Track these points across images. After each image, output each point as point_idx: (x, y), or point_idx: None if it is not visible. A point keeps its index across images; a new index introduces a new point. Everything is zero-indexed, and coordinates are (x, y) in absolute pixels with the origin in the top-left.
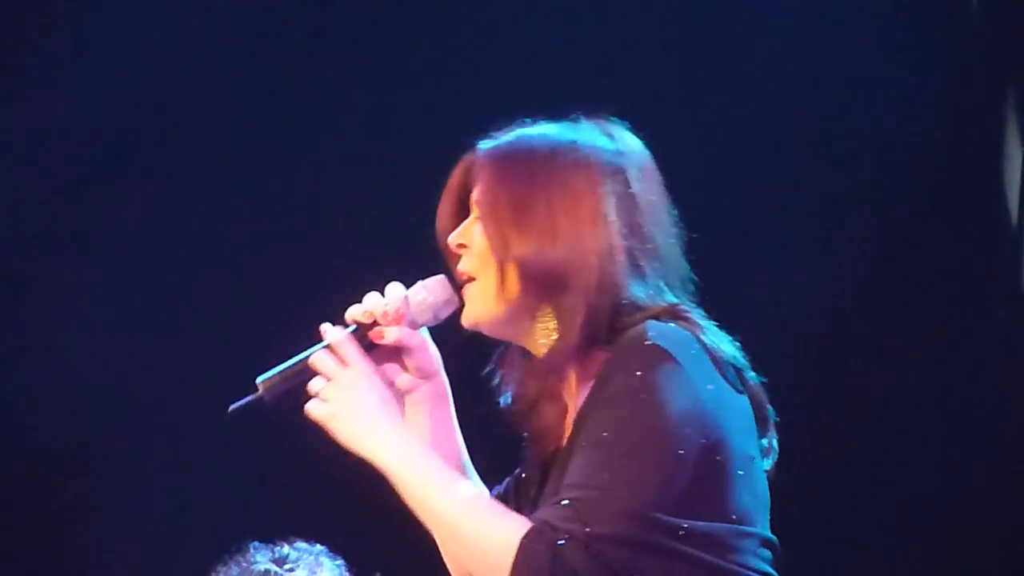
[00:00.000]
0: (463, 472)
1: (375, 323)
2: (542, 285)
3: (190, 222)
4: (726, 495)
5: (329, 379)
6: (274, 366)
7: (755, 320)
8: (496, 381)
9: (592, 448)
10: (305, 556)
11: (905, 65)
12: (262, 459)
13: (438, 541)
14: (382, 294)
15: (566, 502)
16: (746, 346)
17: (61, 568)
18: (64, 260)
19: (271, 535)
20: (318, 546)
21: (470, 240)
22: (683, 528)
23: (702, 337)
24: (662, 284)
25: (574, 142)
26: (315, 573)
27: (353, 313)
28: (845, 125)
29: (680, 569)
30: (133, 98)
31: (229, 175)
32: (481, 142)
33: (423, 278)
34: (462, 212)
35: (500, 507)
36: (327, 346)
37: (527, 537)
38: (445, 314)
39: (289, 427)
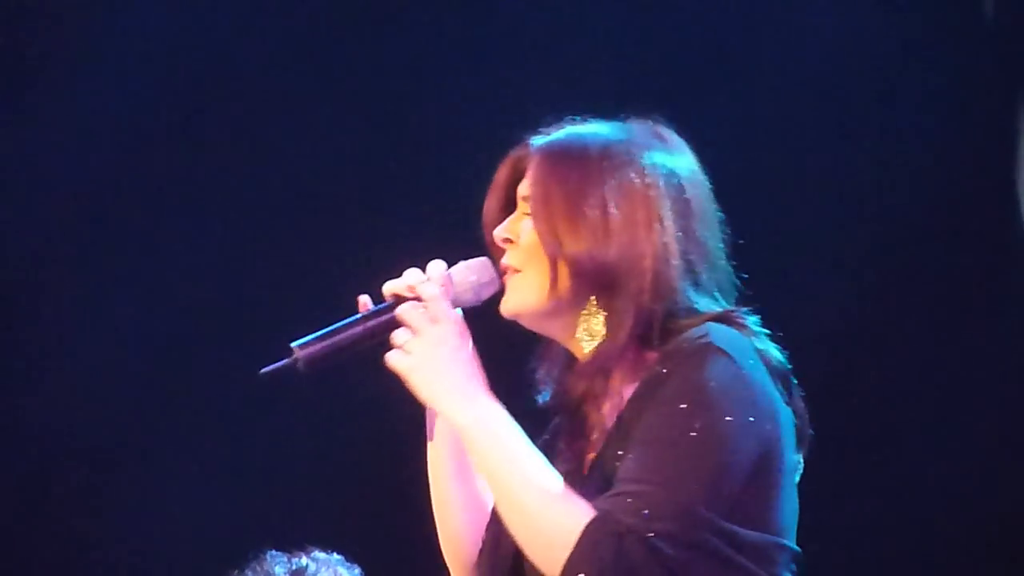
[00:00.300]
0: None
1: (417, 298)
2: (593, 284)
3: (201, 221)
4: (773, 506)
5: (416, 332)
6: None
7: (765, 320)
8: (535, 377)
9: (652, 444)
10: (323, 565)
11: (919, 72)
12: (279, 466)
13: (500, 510)
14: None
15: (627, 496)
16: None
17: None
18: (78, 263)
19: (288, 543)
20: (335, 555)
21: (517, 235)
22: (737, 535)
23: (757, 345)
24: (715, 290)
25: (628, 142)
26: None
27: (394, 287)
28: (860, 131)
29: None
30: (137, 102)
31: (241, 177)
32: (533, 138)
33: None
34: (508, 207)
35: (569, 491)
36: (416, 299)
37: (592, 525)
38: (487, 294)
39: (306, 435)
